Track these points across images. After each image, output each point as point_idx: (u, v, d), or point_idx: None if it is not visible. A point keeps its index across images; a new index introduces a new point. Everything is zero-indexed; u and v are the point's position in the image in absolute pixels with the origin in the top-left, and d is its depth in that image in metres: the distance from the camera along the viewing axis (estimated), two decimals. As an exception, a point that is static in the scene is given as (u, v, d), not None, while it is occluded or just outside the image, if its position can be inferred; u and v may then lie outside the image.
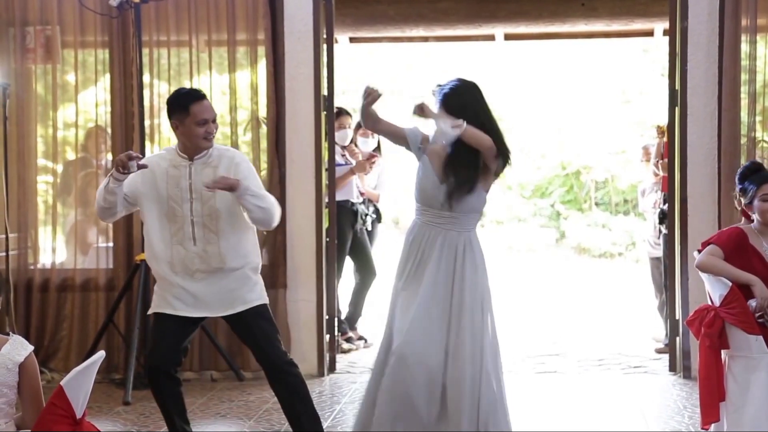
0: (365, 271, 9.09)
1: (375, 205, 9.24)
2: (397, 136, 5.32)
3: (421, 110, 5.11)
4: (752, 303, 4.94)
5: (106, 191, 5.27)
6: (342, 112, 8.97)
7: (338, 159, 8.61)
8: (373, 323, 9.36)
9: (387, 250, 12.24)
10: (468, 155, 5.09)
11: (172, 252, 5.33)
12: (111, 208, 5.34)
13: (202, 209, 5.30)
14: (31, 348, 3.72)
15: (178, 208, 5.30)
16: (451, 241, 5.12)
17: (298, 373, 5.42)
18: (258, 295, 5.44)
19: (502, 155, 5.19)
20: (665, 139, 8.41)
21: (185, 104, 5.26)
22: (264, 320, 5.42)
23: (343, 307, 9.23)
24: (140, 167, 5.21)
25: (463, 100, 5.15)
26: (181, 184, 5.30)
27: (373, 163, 9.02)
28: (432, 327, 5.04)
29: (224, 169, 5.30)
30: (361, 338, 9.10)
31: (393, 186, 11.38)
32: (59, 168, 8.03)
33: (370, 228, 9.16)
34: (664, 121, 8.57)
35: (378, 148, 9.22)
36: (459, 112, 5.06)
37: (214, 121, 5.34)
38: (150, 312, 5.51)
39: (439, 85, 5.23)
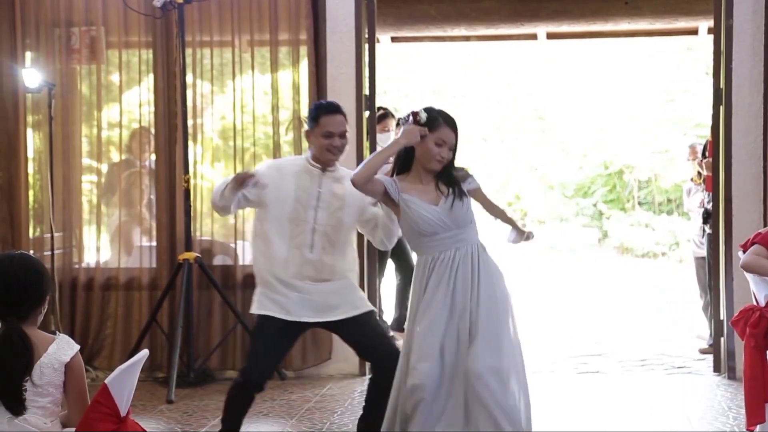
0: (405, 270, 9.08)
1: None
2: (377, 192, 5.04)
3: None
4: None
5: (221, 194, 5.33)
6: (387, 114, 8.95)
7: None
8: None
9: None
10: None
11: (289, 254, 5.36)
12: (225, 207, 5.43)
13: (328, 219, 5.37)
14: (78, 347, 3.75)
15: (302, 213, 5.35)
16: (466, 253, 5.07)
17: None
18: (365, 301, 5.57)
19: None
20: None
21: (317, 115, 5.40)
22: (373, 319, 5.51)
23: (385, 308, 9.23)
24: (258, 185, 5.30)
25: (444, 114, 5.08)
26: (311, 190, 5.37)
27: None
28: (440, 341, 4.98)
29: (351, 187, 5.18)
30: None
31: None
32: (104, 168, 8.09)
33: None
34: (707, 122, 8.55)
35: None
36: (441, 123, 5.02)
37: (342, 136, 5.39)
38: (255, 311, 5.41)
39: (413, 112, 5.15)
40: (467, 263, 5.01)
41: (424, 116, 4.98)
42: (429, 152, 4.98)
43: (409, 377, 4.90)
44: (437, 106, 5.14)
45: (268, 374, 5.33)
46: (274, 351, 5.36)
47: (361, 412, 5.53)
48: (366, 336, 5.40)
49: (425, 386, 4.83)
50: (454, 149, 5.05)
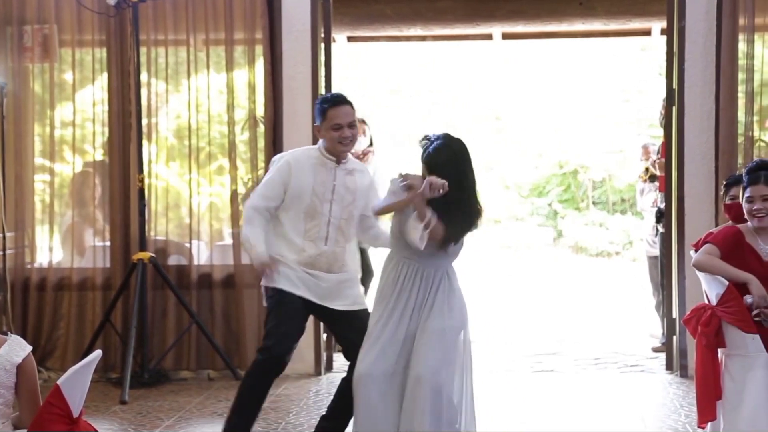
0: (363, 272, 9.07)
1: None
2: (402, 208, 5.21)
3: (408, 188, 5.05)
4: (748, 299, 4.95)
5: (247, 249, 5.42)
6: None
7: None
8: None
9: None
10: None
11: (304, 246, 5.38)
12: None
13: (341, 212, 5.41)
14: (30, 348, 3.71)
15: (319, 206, 5.38)
16: (429, 276, 5.10)
17: None
18: (363, 299, 5.64)
19: (471, 216, 5.09)
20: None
21: (324, 109, 5.41)
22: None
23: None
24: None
25: (444, 157, 5.03)
26: (327, 183, 5.40)
27: (366, 154, 9.01)
28: (388, 344, 5.08)
29: (361, 181, 5.49)
30: None
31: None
32: (57, 167, 8.01)
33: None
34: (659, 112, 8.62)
35: (371, 145, 9.22)
36: (440, 169, 4.98)
37: (351, 126, 5.40)
38: (272, 285, 5.37)
39: (427, 138, 5.16)
40: (426, 283, 5.08)
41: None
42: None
43: (358, 364, 5.07)
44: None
45: (290, 350, 5.32)
46: (293, 328, 5.35)
47: (318, 411, 5.52)
48: (357, 333, 5.38)
49: (371, 375, 5.01)
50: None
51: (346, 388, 5.30)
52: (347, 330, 5.42)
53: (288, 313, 5.33)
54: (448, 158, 5.01)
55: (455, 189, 4.93)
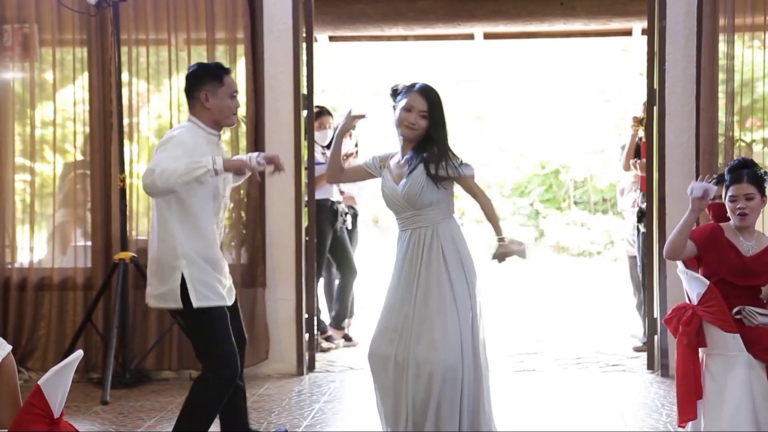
0: (346, 270, 9.09)
1: (353, 207, 9.24)
2: (361, 174, 5.45)
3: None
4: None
5: (196, 176, 4.89)
6: (323, 112, 8.98)
7: (318, 158, 8.60)
8: (361, 324, 9.39)
9: (367, 248, 12.24)
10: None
11: (215, 236, 5.19)
12: (180, 187, 4.95)
13: (227, 190, 5.29)
14: (9, 348, 3.70)
15: (220, 186, 5.19)
16: (419, 237, 5.18)
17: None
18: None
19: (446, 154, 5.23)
20: (641, 132, 8.46)
21: (219, 75, 5.19)
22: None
23: (322, 307, 9.24)
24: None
25: (438, 99, 5.25)
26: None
27: (348, 156, 9.02)
28: (390, 320, 5.19)
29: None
30: (345, 337, 9.08)
31: (372, 186, 11.37)
32: (37, 167, 7.98)
33: (350, 227, 9.16)
34: (640, 112, 8.61)
35: (356, 146, 9.22)
36: (437, 107, 5.19)
37: (235, 95, 5.29)
38: (204, 305, 5.07)
39: (396, 87, 5.29)
40: (418, 247, 5.13)
41: (392, 91, 5.28)
42: (398, 119, 5.18)
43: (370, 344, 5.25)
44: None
45: (238, 362, 5.21)
46: (233, 341, 5.20)
47: (300, 411, 5.53)
48: (239, 325, 5.38)
49: (376, 356, 5.19)
50: (433, 119, 5.13)
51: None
52: (235, 322, 5.33)
53: (226, 329, 5.14)
54: (417, 84, 5.24)
55: (441, 127, 5.17)
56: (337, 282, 9.18)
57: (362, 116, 5.28)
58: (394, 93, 5.30)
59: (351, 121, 5.38)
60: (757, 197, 5.12)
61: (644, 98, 7.97)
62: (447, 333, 5.07)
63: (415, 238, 5.20)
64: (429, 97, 5.16)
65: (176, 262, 5.06)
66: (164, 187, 4.87)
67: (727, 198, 5.18)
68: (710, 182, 5.13)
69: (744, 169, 5.16)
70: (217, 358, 5.10)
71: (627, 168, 8.87)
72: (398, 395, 5.13)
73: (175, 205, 5.07)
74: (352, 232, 9.24)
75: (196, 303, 5.06)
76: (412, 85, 5.23)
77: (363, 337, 9.03)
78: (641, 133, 8.58)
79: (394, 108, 5.25)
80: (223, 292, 5.20)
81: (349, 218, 9.08)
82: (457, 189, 5.37)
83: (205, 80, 5.19)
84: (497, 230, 5.24)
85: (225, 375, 5.09)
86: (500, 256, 5.24)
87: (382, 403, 5.24)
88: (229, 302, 5.28)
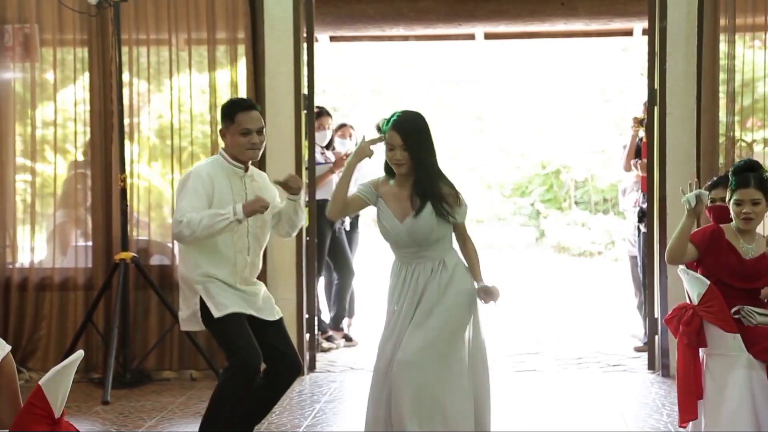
0: (344, 272, 9.09)
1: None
2: (359, 205, 5.27)
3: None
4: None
5: (220, 229, 5.16)
6: (323, 113, 8.98)
7: (318, 158, 8.61)
8: (361, 324, 9.39)
9: (367, 248, 12.24)
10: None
11: (236, 259, 5.31)
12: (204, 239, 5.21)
13: (256, 221, 5.37)
14: (9, 348, 3.70)
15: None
16: (424, 269, 5.11)
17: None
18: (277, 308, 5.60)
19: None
20: (642, 132, 8.46)
21: (232, 113, 5.32)
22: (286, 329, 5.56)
23: (323, 307, 9.24)
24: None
25: (414, 126, 5.12)
26: (241, 192, 5.34)
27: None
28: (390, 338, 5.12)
29: (263, 184, 5.52)
30: (346, 337, 9.08)
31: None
32: (38, 167, 7.98)
33: (348, 228, 9.15)
34: (640, 113, 8.61)
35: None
36: (412, 136, 5.05)
37: (260, 132, 5.35)
38: (224, 313, 5.22)
39: (385, 120, 5.22)
40: (419, 281, 5.07)
41: (377, 128, 5.21)
42: (386, 159, 5.10)
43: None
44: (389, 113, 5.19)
45: (260, 357, 5.24)
46: (254, 339, 5.26)
47: (302, 410, 5.53)
48: (280, 341, 5.42)
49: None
50: (411, 148, 5.02)
51: (262, 394, 5.37)
52: (277, 339, 5.40)
53: (244, 329, 5.24)
54: (390, 119, 5.11)
55: (423, 150, 5.05)
56: (335, 284, 9.18)
57: (379, 140, 5.19)
58: (379, 130, 5.24)
59: (367, 148, 5.18)
60: (763, 203, 5.09)
61: (644, 98, 7.97)
62: (420, 338, 5.03)
63: (420, 270, 5.13)
64: (402, 129, 5.03)
65: (195, 286, 5.28)
66: (191, 238, 5.17)
67: (732, 201, 5.14)
68: (705, 187, 5.16)
69: (750, 173, 5.13)
70: (234, 349, 5.22)
71: (627, 168, 8.87)
72: (380, 399, 5.11)
73: None
74: (352, 234, 9.24)
75: (216, 314, 5.22)
76: (387, 121, 5.11)
77: (363, 337, 9.04)
78: (642, 133, 8.57)
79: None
80: (243, 302, 5.30)
81: (347, 219, 9.07)
82: (461, 190, 5.30)
83: (224, 116, 5.39)
84: (479, 276, 5.19)
85: (243, 360, 5.17)
86: (483, 298, 5.20)
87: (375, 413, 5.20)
88: (257, 313, 5.37)
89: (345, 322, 9.22)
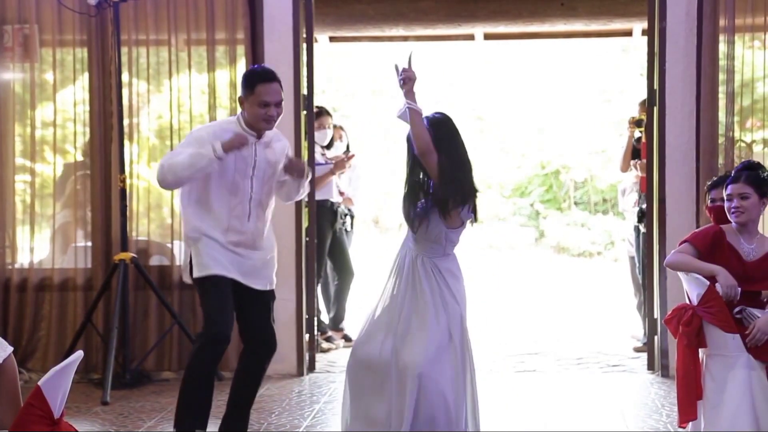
0: (344, 272, 9.09)
1: (350, 209, 9.23)
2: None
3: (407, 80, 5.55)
4: (717, 288, 4.99)
5: (195, 166, 5.15)
6: (323, 112, 8.97)
7: (318, 158, 8.61)
8: (357, 323, 9.39)
9: (366, 249, 12.24)
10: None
11: (229, 223, 5.34)
12: (190, 177, 5.22)
13: (261, 187, 5.39)
14: (11, 349, 3.70)
15: (240, 183, 5.34)
16: (415, 261, 5.19)
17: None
18: (274, 280, 5.63)
19: (462, 194, 5.20)
20: (638, 132, 8.47)
21: (252, 83, 5.33)
22: (273, 303, 5.61)
23: (322, 307, 9.23)
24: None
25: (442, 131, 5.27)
26: (248, 159, 5.35)
27: (351, 158, 9.03)
28: (377, 326, 5.21)
29: (280, 150, 5.52)
30: (345, 337, 9.08)
31: (367, 187, 11.39)
32: (37, 167, 7.98)
33: (349, 228, 9.16)
34: (637, 114, 8.61)
35: (347, 150, 9.24)
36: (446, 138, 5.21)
37: (278, 105, 5.37)
38: (203, 274, 5.30)
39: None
40: (416, 268, 5.15)
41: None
42: None
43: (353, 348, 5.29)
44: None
45: (231, 327, 5.30)
46: (230, 307, 5.33)
47: (301, 411, 5.53)
48: (259, 315, 5.46)
49: (359, 359, 5.21)
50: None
51: (241, 375, 5.47)
52: (252, 310, 5.45)
53: (225, 298, 5.29)
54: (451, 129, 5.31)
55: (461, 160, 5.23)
56: (334, 284, 9.17)
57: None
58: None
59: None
60: (753, 197, 5.11)
61: (641, 99, 7.98)
62: (429, 341, 5.07)
63: (414, 260, 5.23)
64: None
65: (188, 242, 5.40)
66: (173, 180, 5.24)
67: (725, 197, 5.19)
68: (705, 187, 5.20)
69: (745, 171, 5.16)
70: (206, 316, 5.33)
71: (624, 169, 8.89)
72: (382, 396, 5.12)
73: (194, 194, 5.36)
74: (347, 234, 9.24)
75: (196, 273, 5.33)
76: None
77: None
78: (638, 133, 8.59)
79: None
80: (230, 265, 5.32)
81: (348, 219, 9.08)
82: None
83: (244, 84, 5.40)
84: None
85: (212, 332, 5.25)
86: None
87: (357, 405, 5.21)
88: (243, 279, 5.40)
89: (343, 323, 9.23)
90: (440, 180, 5.14)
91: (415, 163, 5.25)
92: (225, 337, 5.27)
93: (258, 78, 5.36)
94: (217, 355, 5.33)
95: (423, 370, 4.99)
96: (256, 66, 5.66)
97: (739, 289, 4.98)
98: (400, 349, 5.08)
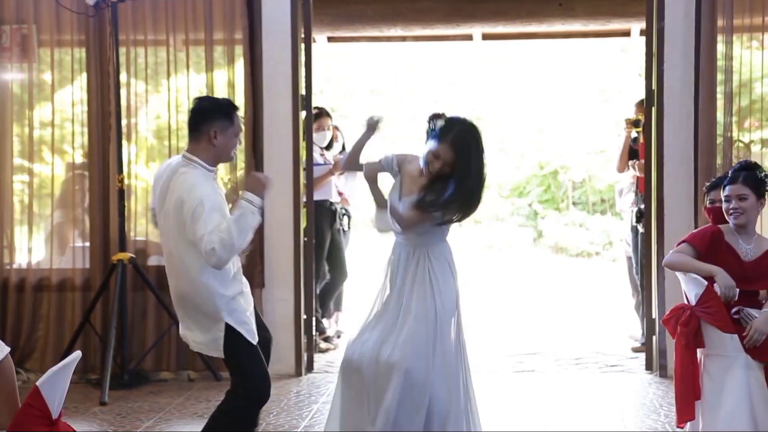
0: (337, 272, 9.06)
1: (347, 209, 9.21)
2: (377, 172, 5.39)
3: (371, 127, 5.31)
4: (716, 289, 4.99)
5: (251, 230, 4.90)
6: (322, 113, 8.96)
7: (318, 159, 8.61)
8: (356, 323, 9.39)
9: (364, 249, 12.23)
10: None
11: (236, 274, 5.11)
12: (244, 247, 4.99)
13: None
14: (8, 350, 3.70)
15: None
16: (412, 252, 5.18)
17: None
18: None
19: (464, 206, 5.15)
20: (635, 133, 8.47)
21: (230, 113, 5.03)
22: None
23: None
24: None
25: (460, 139, 5.11)
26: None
27: None
28: (373, 332, 5.20)
29: None
30: (326, 339, 8.99)
31: (363, 187, 11.38)
32: (36, 168, 7.98)
33: (347, 229, 9.15)
34: (633, 114, 8.61)
35: (343, 150, 9.23)
36: (455, 150, 5.06)
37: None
38: (255, 339, 5.07)
39: (436, 115, 5.29)
40: (410, 262, 5.15)
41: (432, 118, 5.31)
42: (425, 158, 5.11)
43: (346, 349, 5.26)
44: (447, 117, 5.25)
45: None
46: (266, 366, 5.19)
47: (299, 411, 5.51)
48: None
49: (352, 360, 5.16)
50: (458, 170, 5.04)
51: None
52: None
53: (261, 359, 5.13)
54: (473, 140, 5.12)
55: (469, 175, 5.05)
56: (324, 281, 9.11)
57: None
58: (433, 121, 5.22)
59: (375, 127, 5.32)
60: (751, 198, 5.12)
61: (637, 99, 7.98)
62: (417, 335, 5.07)
63: (409, 252, 5.22)
64: (457, 148, 5.05)
65: (219, 314, 4.98)
66: (230, 255, 4.85)
67: (723, 198, 5.20)
68: (704, 188, 5.21)
69: (742, 171, 5.18)
70: (253, 382, 5.08)
71: (620, 170, 8.89)
72: (362, 394, 5.13)
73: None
74: (345, 234, 9.22)
75: (253, 341, 5.03)
76: (448, 130, 5.09)
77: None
78: (634, 134, 8.59)
79: (427, 134, 5.18)
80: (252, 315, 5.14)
81: (346, 220, 9.07)
82: None
83: (216, 117, 5.01)
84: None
85: (257, 400, 5.10)
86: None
87: (347, 406, 5.20)
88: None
89: (333, 317, 9.24)
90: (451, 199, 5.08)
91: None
92: (267, 398, 5.13)
93: (234, 108, 5.09)
94: (257, 415, 5.20)
95: (410, 364, 4.98)
96: (226, 98, 5.27)
97: (738, 289, 4.99)
98: (386, 345, 5.06)
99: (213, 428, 5.09)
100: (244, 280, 5.19)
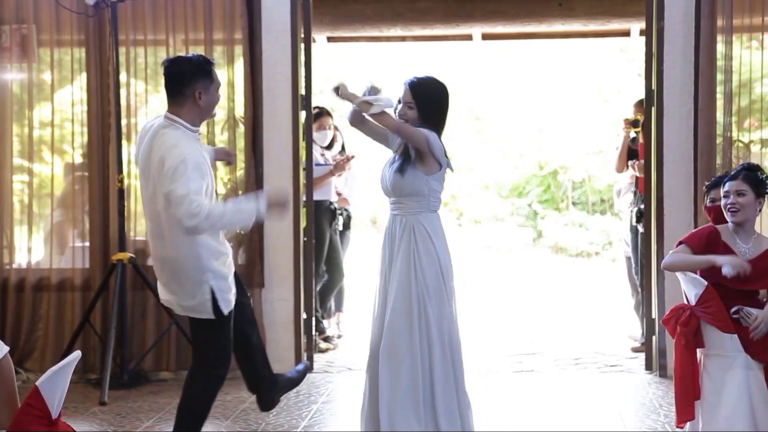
0: (334, 272, 9.05)
1: (346, 209, 9.21)
2: (380, 137, 5.66)
3: (337, 91, 5.59)
4: (725, 270, 4.96)
5: (241, 229, 5.02)
6: (323, 113, 8.96)
7: (318, 159, 8.61)
8: (355, 322, 9.41)
9: (364, 249, 12.22)
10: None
11: (223, 241, 5.11)
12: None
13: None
14: (7, 349, 3.70)
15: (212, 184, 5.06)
16: (399, 224, 5.42)
17: None
18: None
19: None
20: (633, 133, 8.47)
21: (209, 70, 5.00)
22: None
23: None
24: None
25: (430, 91, 5.49)
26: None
27: (350, 159, 9.02)
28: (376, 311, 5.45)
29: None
30: (326, 339, 8.98)
31: (363, 188, 11.39)
32: (35, 168, 7.98)
33: (341, 228, 9.13)
34: (632, 114, 8.61)
35: (342, 150, 9.23)
36: (422, 102, 5.44)
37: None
38: (230, 309, 5.06)
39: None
40: (395, 237, 5.30)
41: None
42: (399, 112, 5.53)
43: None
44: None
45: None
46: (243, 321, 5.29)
47: (299, 411, 5.52)
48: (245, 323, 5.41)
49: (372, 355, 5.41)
50: (420, 110, 5.42)
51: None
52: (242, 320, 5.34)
53: (230, 333, 5.14)
54: (438, 91, 5.49)
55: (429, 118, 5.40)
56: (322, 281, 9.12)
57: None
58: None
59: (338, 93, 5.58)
60: (749, 194, 5.12)
61: (636, 99, 7.98)
62: (395, 320, 5.26)
63: (396, 225, 5.43)
64: (415, 90, 5.49)
65: (203, 276, 4.96)
66: (208, 230, 4.85)
67: (722, 195, 5.21)
68: (704, 188, 5.22)
69: (744, 170, 5.18)
70: (222, 354, 5.11)
71: (619, 170, 8.89)
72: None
73: None
74: (344, 234, 9.21)
75: (225, 311, 5.02)
76: (407, 83, 5.56)
77: (362, 335, 9.03)
78: (633, 134, 8.60)
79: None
80: (234, 287, 5.15)
81: (341, 219, 9.06)
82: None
83: (198, 77, 5.00)
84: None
85: (219, 373, 5.15)
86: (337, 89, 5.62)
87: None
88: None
89: (334, 317, 9.24)
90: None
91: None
92: (226, 374, 5.18)
93: (210, 63, 5.04)
94: (218, 390, 5.21)
95: (385, 342, 5.24)
96: (191, 55, 5.21)
97: (748, 264, 4.98)
98: (380, 329, 5.31)
99: (188, 410, 5.19)
100: (227, 243, 5.20)
